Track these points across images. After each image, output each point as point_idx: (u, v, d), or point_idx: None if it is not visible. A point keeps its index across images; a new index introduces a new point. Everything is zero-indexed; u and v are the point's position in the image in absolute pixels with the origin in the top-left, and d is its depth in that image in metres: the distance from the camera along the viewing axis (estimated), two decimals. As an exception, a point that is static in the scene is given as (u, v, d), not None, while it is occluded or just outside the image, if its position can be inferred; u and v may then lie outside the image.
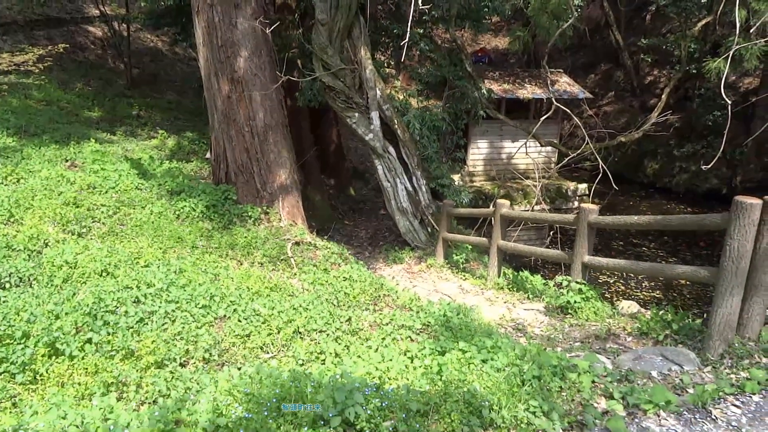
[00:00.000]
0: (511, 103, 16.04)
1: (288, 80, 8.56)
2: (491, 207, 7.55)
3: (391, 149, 9.61)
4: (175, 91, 18.21)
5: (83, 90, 14.94)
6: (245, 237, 7.00)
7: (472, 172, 16.45)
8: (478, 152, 16.44)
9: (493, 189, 15.37)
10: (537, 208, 13.62)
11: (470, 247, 9.23)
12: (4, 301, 4.30)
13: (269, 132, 8.06)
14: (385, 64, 13.07)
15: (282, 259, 6.67)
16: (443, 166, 10.97)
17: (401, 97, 11.76)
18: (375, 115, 9.31)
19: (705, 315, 4.56)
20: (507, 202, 7.27)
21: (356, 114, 9.39)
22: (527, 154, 12.83)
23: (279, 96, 8.46)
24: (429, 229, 9.93)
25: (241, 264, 6.40)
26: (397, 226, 10.04)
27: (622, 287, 10.51)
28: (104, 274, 5.07)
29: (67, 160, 8.45)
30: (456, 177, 14.17)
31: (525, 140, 10.77)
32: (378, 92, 9.29)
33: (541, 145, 13.45)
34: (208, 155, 10.59)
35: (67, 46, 15.75)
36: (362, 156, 18.04)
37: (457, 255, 8.74)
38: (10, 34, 16.04)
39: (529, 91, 15.85)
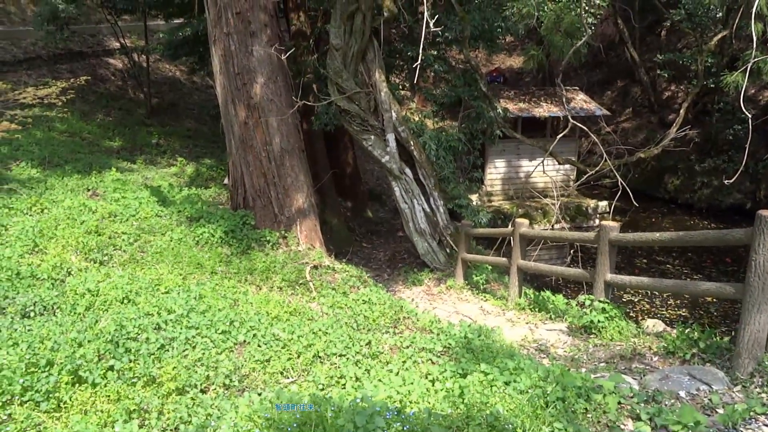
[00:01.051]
0: (528, 121, 16.07)
1: (304, 105, 8.69)
2: (510, 226, 7.51)
3: (408, 171, 9.65)
4: (193, 119, 18.55)
5: (104, 120, 15.31)
6: (264, 262, 7.04)
7: (490, 191, 16.43)
8: (495, 172, 16.44)
9: (512, 208, 15.31)
10: (557, 226, 13.51)
11: (490, 267, 9.17)
12: (28, 330, 4.37)
13: (286, 156, 8.16)
14: (400, 87, 13.21)
15: (301, 283, 6.69)
16: (460, 186, 10.96)
17: (417, 119, 11.85)
18: (391, 137, 9.38)
19: (733, 333, 4.47)
20: (526, 222, 7.23)
21: (372, 136, 9.47)
22: (545, 172, 12.79)
23: (295, 121, 8.58)
24: (448, 250, 9.90)
25: (260, 289, 6.43)
26: (416, 247, 10.03)
27: (647, 306, 10.32)
28: (125, 301, 5.13)
29: (88, 190, 8.63)
30: (474, 197, 14.17)
31: (542, 158, 10.73)
32: (393, 114, 9.37)
33: (559, 163, 13.39)
34: (226, 181, 10.74)
35: (89, 78, 16.18)
36: (379, 178, 18.11)
37: (476, 276, 8.69)
38: (34, 68, 16.54)
39: (545, 110, 15.88)
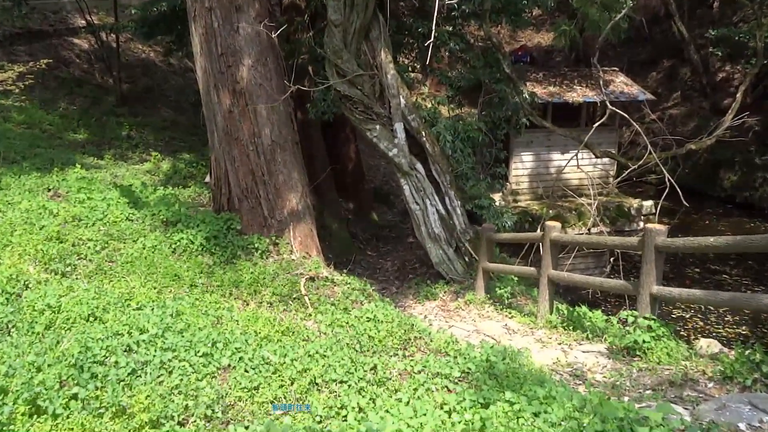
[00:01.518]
0: (559, 108, 16.02)
1: (298, 90, 8.69)
2: (539, 231, 7.48)
3: (419, 166, 9.64)
4: (170, 107, 18.63)
5: (68, 109, 15.39)
6: (251, 273, 7.05)
7: (516, 190, 16.39)
8: (521, 167, 16.40)
9: (541, 209, 15.27)
10: (594, 230, 13.45)
11: (516, 278, 9.14)
12: (-22, 353, 4.38)
13: (277, 150, 8.17)
14: (410, 68, 13.21)
15: (294, 298, 6.68)
16: (481, 184, 10.94)
17: (429, 105, 11.82)
18: (399, 126, 9.37)
19: (803, 354, 4.42)
20: (558, 225, 7.20)
21: (377, 126, 9.46)
22: (579, 167, 12.75)
23: (288, 109, 8.58)
24: (466, 259, 9.88)
25: (248, 304, 6.43)
26: (429, 255, 10.01)
27: (700, 323, 10.27)
28: (91, 318, 5.14)
29: (49, 190, 8.66)
30: (497, 196, 14.13)
31: (577, 151, 10.71)
32: (402, 100, 9.37)
33: (597, 157, 13.35)
34: (207, 179, 10.77)
35: (51, 61, 16.28)
36: (386, 175, 18.12)
37: (500, 288, 8.66)
38: (-13, 50, 16.68)
39: (579, 94, 15.83)
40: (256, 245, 7.73)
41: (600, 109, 16.27)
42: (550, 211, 14.87)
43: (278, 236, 8.02)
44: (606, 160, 15.46)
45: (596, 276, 9.20)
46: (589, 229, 13.88)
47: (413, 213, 9.86)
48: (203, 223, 7.92)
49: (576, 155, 10.69)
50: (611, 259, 11.43)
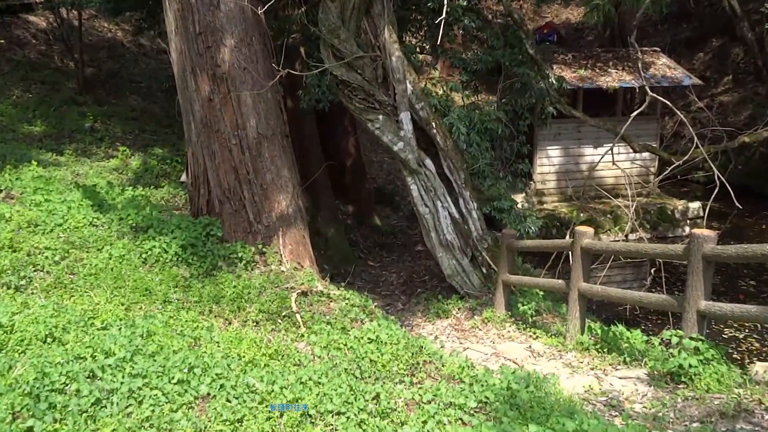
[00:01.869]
0: (591, 94, 16.03)
1: (288, 75, 8.69)
2: (568, 237, 7.48)
3: (429, 162, 9.64)
4: (139, 94, 18.67)
5: (22, 97, 15.44)
6: (234, 286, 7.06)
7: (541, 190, 16.39)
8: (548, 163, 16.40)
9: (571, 212, 15.26)
10: (632, 236, 13.44)
11: (541, 293, 9.13)
12: None
13: (264, 144, 8.17)
14: (418, 49, 13.21)
15: (284, 316, 6.69)
16: (500, 183, 10.94)
17: (440, 92, 11.82)
18: (405, 116, 9.38)
19: None
20: (590, 230, 7.19)
21: (380, 116, 9.47)
22: (615, 163, 12.73)
23: (276, 96, 8.59)
24: (483, 270, 9.87)
25: (230, 323, 6.43)
26: (440, 266, 10.01)
27: (756, 344, 10.23)
28: (49, 340, 5.14)
29: (1, 191, 8.69)
30: (519, 197, 14.14)
31: (612, 144, 10.68)
32: (409, 86, 9.37)
33: (635, 151, 13.33)
34: (183, 178, 10.78)
35: (2, 42, 16.35)
36: (390, 173, 18.13)
37: (523, 304, 8.65)
38: (-72, 30, 16.76)
39: (614, 78, 15.83)
40: (239, 254, 7.74)
41: (639, 95, 16.29)
42: (581, 215, 14.85)
43: (265, 244, 8.02)
44: (646, 155, 15.44)
45: (635, 290, 9.18)
46: (626, 236, 13.86)
47: (422, 217, 9.86)
48: (178, 228, 7.93)
49: (611, 149, 10.66)
50: (652, 270, 11.39)
